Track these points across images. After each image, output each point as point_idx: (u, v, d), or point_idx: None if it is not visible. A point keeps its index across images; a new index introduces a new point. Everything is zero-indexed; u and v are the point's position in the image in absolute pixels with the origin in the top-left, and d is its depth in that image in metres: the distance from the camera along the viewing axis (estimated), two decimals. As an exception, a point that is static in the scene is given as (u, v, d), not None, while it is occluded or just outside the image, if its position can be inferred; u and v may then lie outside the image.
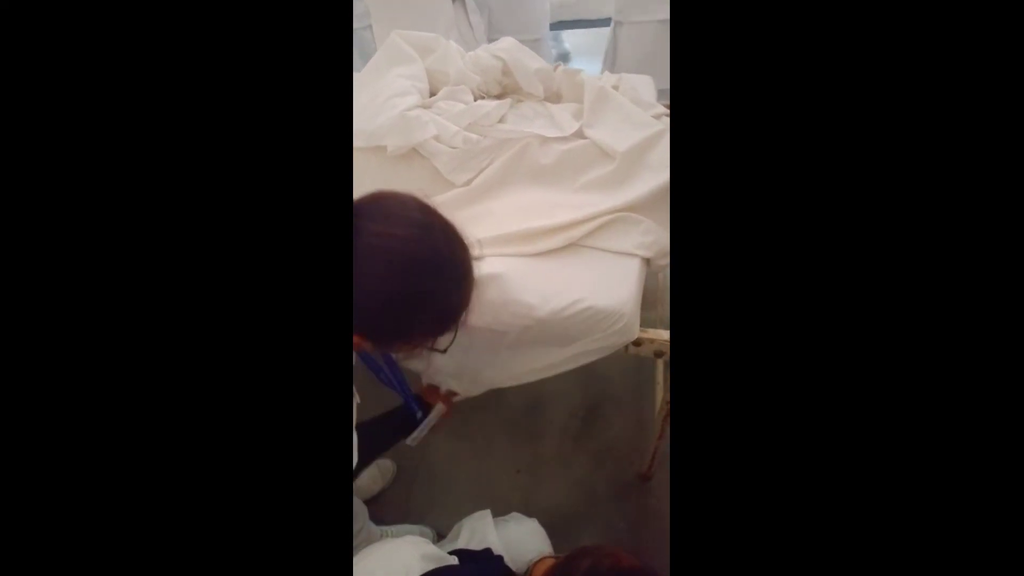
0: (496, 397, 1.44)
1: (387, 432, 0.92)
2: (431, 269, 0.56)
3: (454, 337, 0.64)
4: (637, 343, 0.86)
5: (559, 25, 2.55)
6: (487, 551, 0.69)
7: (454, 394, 1.01)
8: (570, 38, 2.96)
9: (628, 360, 0.97)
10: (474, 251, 0.61)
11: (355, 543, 1.02)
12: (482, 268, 0.67)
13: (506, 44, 1.13)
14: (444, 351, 0.63)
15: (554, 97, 1.18)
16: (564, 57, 2.96)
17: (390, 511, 1.21)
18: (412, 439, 0.96)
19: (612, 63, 1.82)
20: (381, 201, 0.57)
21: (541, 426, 1.37)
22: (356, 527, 1.02)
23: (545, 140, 0.99)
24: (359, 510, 1.05)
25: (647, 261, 0.91)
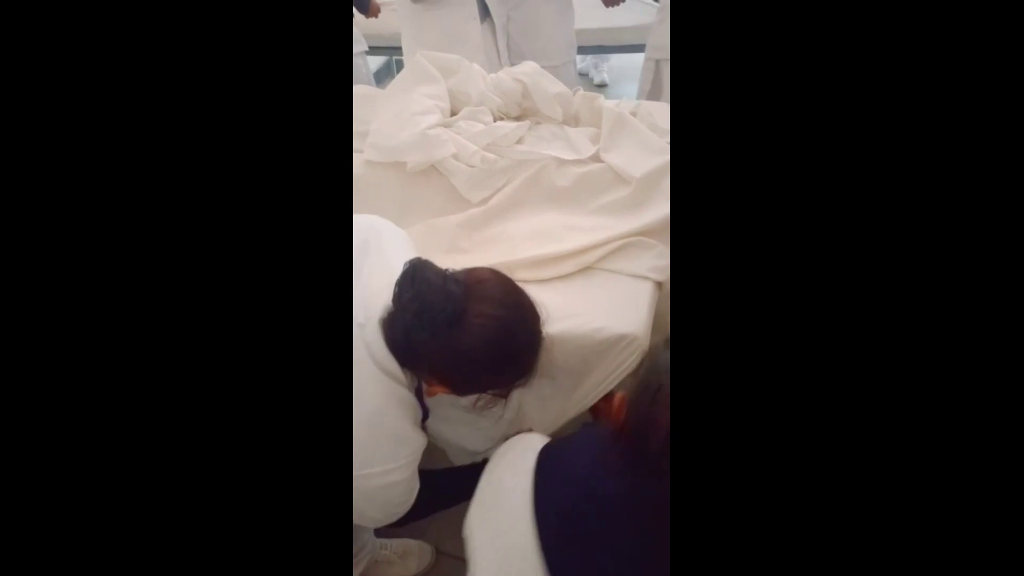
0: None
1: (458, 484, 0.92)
2: (518, 345, 0.70)
3: (511, 391, 0.77)
4: (645, 367, 0.86)
5: (598, 49, 2.58)
6: None
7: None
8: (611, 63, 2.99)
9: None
10: (543, 316, 0.73)
11: (355, 554, 1.01)
12: None
13: (527, 68, 1.16)
14: (505, 397, 0.78)
15: (572, 121, 1.20)
16: (602, 87, 2.97)
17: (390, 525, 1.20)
18: None
19: (658, 99, 1.78)
20: (481, 284, 0.70)
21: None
22: (361, 539, 1.02)
23: (562, 162, 1.01)
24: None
25: (659, 285, 0.92)
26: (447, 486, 0.89)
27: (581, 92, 1.19)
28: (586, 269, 0.91)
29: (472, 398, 0.77)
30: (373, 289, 0.71)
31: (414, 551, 1.14)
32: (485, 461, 0.92)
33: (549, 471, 0.59)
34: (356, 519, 0.78)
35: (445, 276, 0.68)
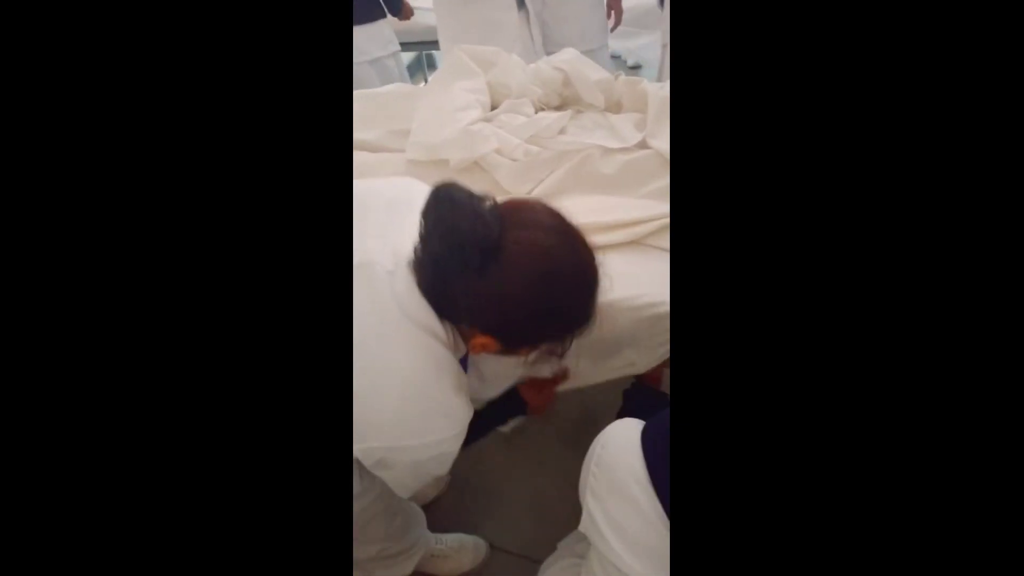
0: (551, 410, 1.43)
1: (495, 413, 0.89)
2: (572, 279, 0.59)
3: (569, 345, 0.65)
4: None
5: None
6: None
7: (555, 383, 0.94)
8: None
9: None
10: (598, 256, 0.62)
11: (409, 548, 1.03)
12: None
13: (567, 55, 1.13)
14: (561, 356, 0.66)
15: (614, 107, 1.17)
16: (636, 68, 2.94)
17: (443, 518, 1.22)
18: (507, 427, 0.94)
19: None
20: (521, 209, 0.59)
21: (595, 440, 1.35)
22: (414, 534, 1.03)
23: (607, 151, 0.98)
24: (417, 516, 1.06)
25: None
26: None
27: (623, 77, 1.15)
28: (636, 245, 0.88)
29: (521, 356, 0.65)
30: (404, 237, 0.60)
31: (468, 546, 1.15)
32: (504, 396, 0.88)
33: (656, 441, 0.57)
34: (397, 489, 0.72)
35: (474, 195, 0.57)
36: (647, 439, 0.58)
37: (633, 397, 0.93)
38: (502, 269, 0.55)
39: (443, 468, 0.69)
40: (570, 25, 1.67)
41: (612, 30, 1.80)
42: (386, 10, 1.87)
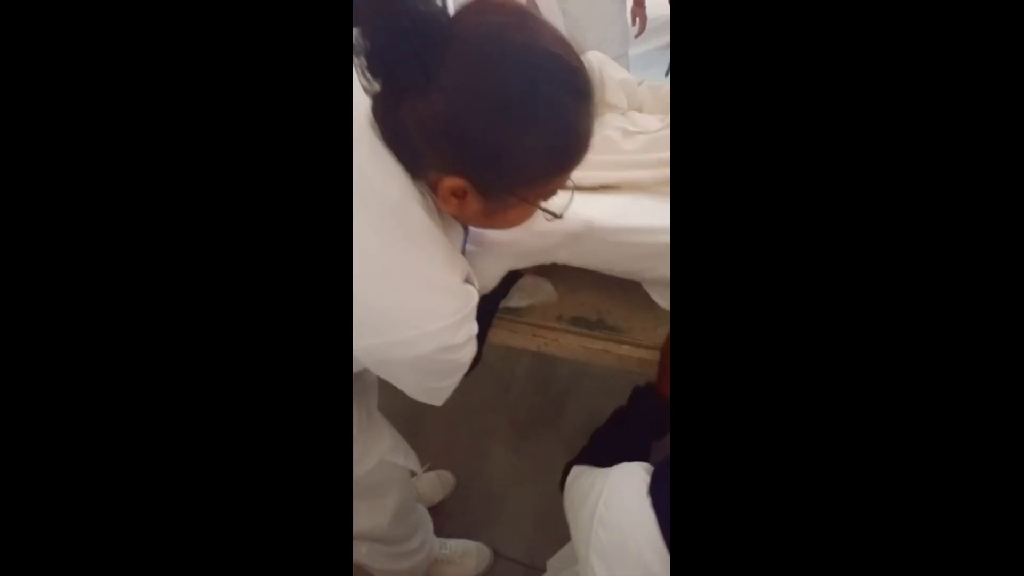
0: (557, 415, 1.38)
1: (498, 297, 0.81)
2: (547, 70, 0.45)
3: (572, 195, 0.54)
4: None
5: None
6: None
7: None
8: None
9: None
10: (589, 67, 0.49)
11: (417, 554, 0.98)
12: None
13: (591, 57, 1.16)
14: (560, 216, 0.54)
15: (636, 110, 1.19)
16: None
17: (447, 522, 1.16)
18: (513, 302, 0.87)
19: None
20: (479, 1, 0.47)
21: (610, 454, 1.29)
22: (420, 538, 0.98)
23: (628, 132, 0.99)
24: (424, 521, 1.02)
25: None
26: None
27: (647, 83, 1.18)
28: (644, 190, 0.88)
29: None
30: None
31: (472, 552, 1.10)
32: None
33: (665, 487, 0.53)
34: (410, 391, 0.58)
35: None
36: (657, 493, 0.52)
37: (641, 400, 0.87)
38: (454, 68, 0.43)
39: (454, 356, 0.55)
40: (591, 32, 1.67)
41: (636, 36, 1.82)
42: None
